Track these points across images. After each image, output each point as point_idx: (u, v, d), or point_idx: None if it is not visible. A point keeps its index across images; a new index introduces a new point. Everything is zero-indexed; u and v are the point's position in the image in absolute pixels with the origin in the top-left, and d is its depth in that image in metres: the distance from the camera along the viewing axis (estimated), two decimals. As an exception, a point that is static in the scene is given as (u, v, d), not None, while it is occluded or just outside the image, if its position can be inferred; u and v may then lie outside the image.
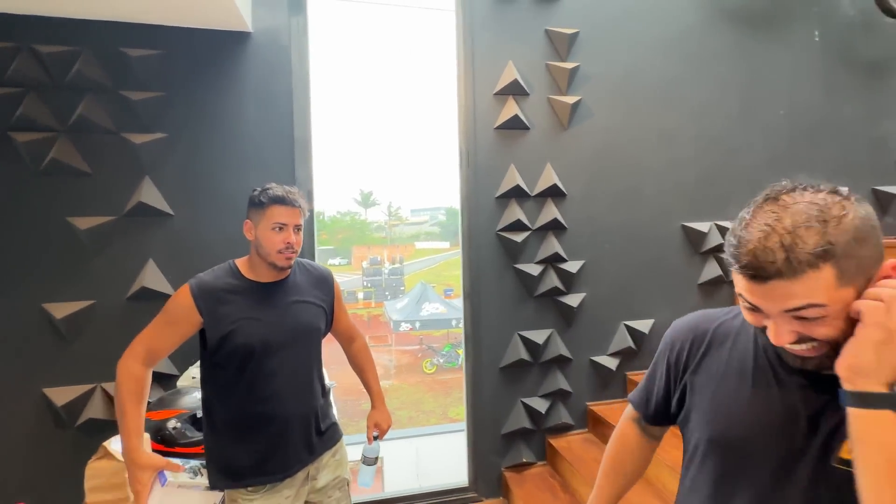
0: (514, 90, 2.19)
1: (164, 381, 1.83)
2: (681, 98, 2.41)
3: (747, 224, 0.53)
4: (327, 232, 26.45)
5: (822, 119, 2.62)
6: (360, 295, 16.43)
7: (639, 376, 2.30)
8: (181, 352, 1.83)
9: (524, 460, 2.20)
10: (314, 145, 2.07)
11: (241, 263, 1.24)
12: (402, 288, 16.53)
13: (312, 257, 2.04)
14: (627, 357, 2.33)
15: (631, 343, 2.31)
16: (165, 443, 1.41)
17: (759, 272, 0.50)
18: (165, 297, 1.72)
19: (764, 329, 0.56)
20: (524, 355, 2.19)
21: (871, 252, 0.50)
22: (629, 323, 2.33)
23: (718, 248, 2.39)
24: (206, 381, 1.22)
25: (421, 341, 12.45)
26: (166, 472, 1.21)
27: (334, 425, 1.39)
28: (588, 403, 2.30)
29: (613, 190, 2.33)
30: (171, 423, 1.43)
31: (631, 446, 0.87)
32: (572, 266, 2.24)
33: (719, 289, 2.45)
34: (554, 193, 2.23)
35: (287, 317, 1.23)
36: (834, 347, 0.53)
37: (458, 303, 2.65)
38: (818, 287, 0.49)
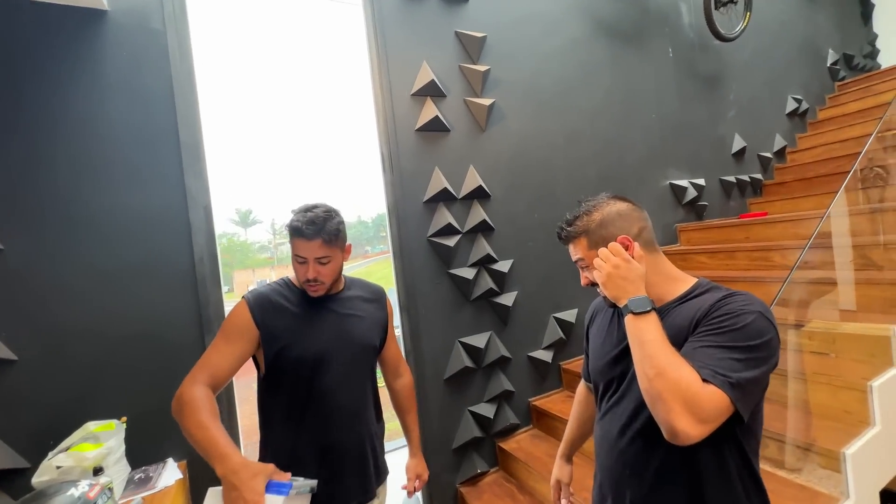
0: (432, 91, 2.13)
1: (8, 478, 1.32)
2: (577, 103, 2.62)
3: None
4: (200, 258, 23.10)
5: (680, 122, 3.10)
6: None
7: (571, 364, 2.41)
8: (34, 436, 1.35)
9: (478, 471, 2.12)
10: (207, 151, 1.73)
11: (293, 280, 1.20)
12: (298, 310, 15.25)
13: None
14: (559, 348, 2.43)
15: (561, 334, 2.40)
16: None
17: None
18: None
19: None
20: (467, 362, 2.12)
21: (610, 231, 0.86)
22: (557, 315, 2.43)
23: (621, 237, 2.64)
24: (262, 409, 1.18)
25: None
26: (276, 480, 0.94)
27: (384, 458, 1.31)
28: (530, 400, 2.33)
29: (530, 189, 2.42)
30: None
31: (580, 397, 1.19)
32: (503, 266, 2.26)
33: (625, 274, 2.71)
34: (479, 195, 2.22)
35: (342, 331, 1.19)
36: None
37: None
38: (579, 249, 0.90)
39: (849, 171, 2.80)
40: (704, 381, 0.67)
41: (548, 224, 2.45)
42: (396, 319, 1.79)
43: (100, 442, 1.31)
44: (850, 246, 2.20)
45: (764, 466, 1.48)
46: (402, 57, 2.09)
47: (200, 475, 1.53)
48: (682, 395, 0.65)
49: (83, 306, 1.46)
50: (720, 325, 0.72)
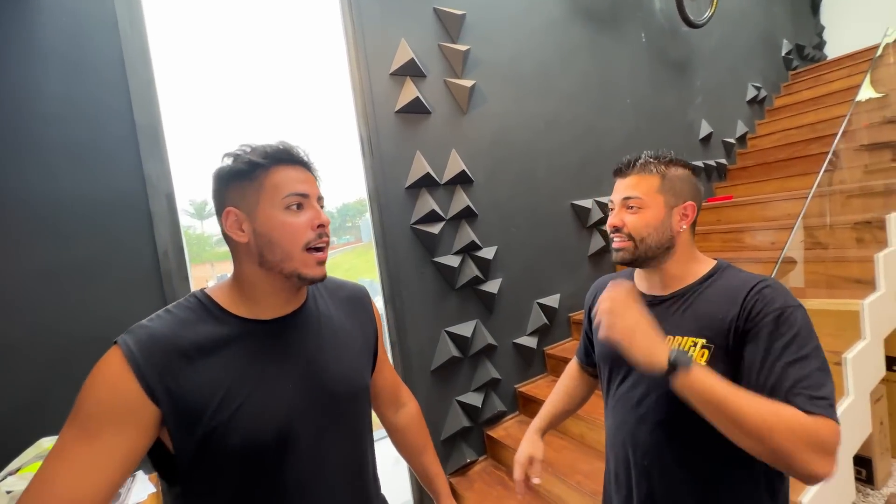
0: (411, 71, 2.03)
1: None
2: (556, 86, 2.59)
3: None
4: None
5: (652, 107, 3.14)
6: (210, 321, 14.07)
7: (555, 350, 2.42)
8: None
9: (467, 460, 2.10)
10: (167, 134, 1.56)
11: (218, 295, 0.68)
12: (263, 305, 14.72)
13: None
14: (544, 333, 2.43)
15: (545, 319, 2.40)
16: None
17: (628, 166, 0.87)
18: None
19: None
20: (454, 352, 2.08)
21: (685, 189, 0.83)
22: (541, 301, 2.42)
23: (601, 222, 2.66)
24: None
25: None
26: None
27: None
28: (516, 386, 2.32)
29: (513, 174, 2.38)
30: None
31: (571, 373, 1.12)
32: (488, 253, 2.21)
33: (603, 258, 2.74)
34: (462, 180, 2.15)
35: (313, 375, 0.69)
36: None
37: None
38: (643, 186, 0.83)
39: (809, 157, 2.94)
40: (808, 412, 0.62)
41: (529, 209, 2.42)
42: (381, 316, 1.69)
43: (57, 460, 1.17)
44: (811, 227, 2.32)
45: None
46: (379, 33, 1.97)
47: (175, 487, 1.41)
48: (803, 440, 0.60)
49: (28, 309, 1.29)
50: (779, 332, 0.68)
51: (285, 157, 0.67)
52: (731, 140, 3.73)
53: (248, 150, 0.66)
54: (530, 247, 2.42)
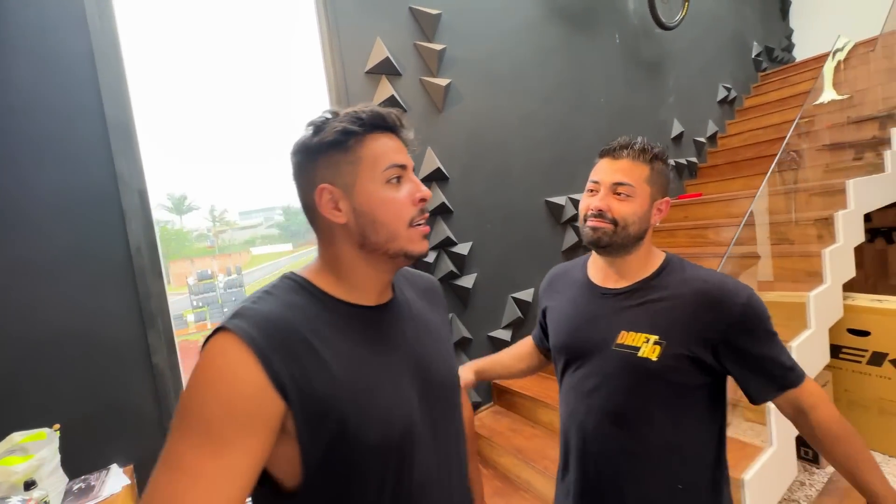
0: (387, 69, 2.06)
1: (-86, 504, 1.16)
2: (531, 85, 2.65)
3: None
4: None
5: (625, 106, 3.24)
6: (191, 317, 13.86)
7: (529, 342, 2.50)
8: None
9: (442, 450, 2.16)
10: (140, 130, 1.56)
11: (315, 278, 0.60)
12: (245, 301, 14.52)
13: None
14: (517, 327, 2.50)
15: (519, 313, 2.48)
16: None
17: (622, 147, 0.86)
18: None
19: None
20: (429, 345, 2.13)
21: (663, 184, 0.86)
22: (515, 295, 2.50)
23: (574, 219, 2.74)
24: None
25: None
26: None
27: None
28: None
29: (488, 171, 2.43)
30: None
31: (526, 344, 1.13)
32: (463, 248, 2.27)
33: (577, 253, 2.83)
34: (438, 177, 2.20)
35: (424, 367, 0.64)
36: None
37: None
38: (635, 173, 0.83)
39: (774, 156, 3.08)
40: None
41: (504, 206, 2.49)
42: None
43: (29, 454, 1.18)
44: (768, 223, 2.44)
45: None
46: (355, 31, 2.00)
47: (150, 479, 1.43)
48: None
49: (-3, 305, 1.29)
50: (756, 329, 0.77)
51: (381, 124, 0.59)
52: (702, 139, 3.85)
53: (336, 116, 0.58)
54: (505, 242, 2.48)
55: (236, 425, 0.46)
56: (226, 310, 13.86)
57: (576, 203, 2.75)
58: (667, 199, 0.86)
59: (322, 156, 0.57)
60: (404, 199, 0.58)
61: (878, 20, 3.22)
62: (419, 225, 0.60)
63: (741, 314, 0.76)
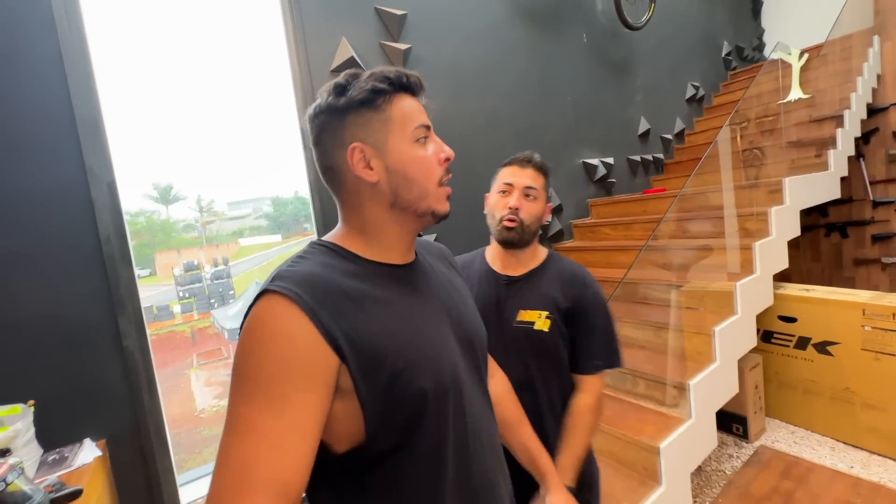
0: (352, 68, 2.15)
1: None
2: (496, 84, 2.75)
3: None
4: (114, 239, 20.86)
5: (592, 104, 3.36)
6: (177, 308, 13.83)
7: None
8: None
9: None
10: (107, 126, 1.65)
11: (343, 241, 0.62)
12: (232, 292, 14.54)
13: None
14: (481, 314, 2.63)
15: (482, 302, 2.61)
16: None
17: (530, 161, 1.06)
18: None
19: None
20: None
21: (548, 193, 1.09)
22: (479, 284, 2.62)
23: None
24: None
25: (266, 346, 11.25)
26: None
27: None
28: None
29: (452, 169, 2.53)
30: None
31: None
32: (427, 240, 2.38)
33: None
34: (402, 172, 2.30)
35: (458, 322, 0.66)
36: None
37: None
38: (539, 181, 1.04)
39: (738, 152, 3.23)
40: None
41: (472, 205, 2.59)
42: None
43: (4, 426, 1.29)
44: (725, 216, 2.60)
45: (631, 400, 1.79)
46: (320, 31, 2.08)
47: (122, 452, 1.55)
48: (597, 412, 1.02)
49: (-28, 290, 1.39)
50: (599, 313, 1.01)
51: (406, 85, 0.61)
52: (669, 136, 4.00)
53: (359, 77, 0.59)
54: (468, 237, 2.60)
55: (295, 382, 0.47)
56: (212, 301, 13.89)
57: (539, 197, 2.88)
58: (550, 204, 1.10)
59: (352, 114, 0.58)
60: (433, 157, 0.62)
61: (850, 20, 3.38)
62: (445, 185, 0.64)
63: (592, 294, 1.00)
